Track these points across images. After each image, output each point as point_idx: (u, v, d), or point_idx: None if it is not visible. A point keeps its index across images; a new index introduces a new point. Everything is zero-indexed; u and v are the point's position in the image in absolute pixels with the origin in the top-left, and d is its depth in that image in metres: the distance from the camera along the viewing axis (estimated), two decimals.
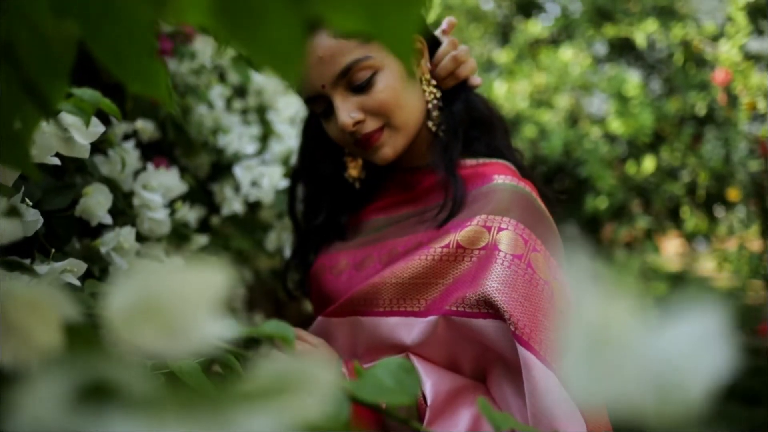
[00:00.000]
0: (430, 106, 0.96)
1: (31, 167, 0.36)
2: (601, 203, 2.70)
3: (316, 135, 1.06)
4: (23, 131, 0.34)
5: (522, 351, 0.76)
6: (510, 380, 0.82)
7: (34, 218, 0.65)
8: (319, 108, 0.92)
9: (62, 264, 0.65)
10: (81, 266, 0.67)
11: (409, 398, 0.34)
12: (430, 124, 0.97)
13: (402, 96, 0.90)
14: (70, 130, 0.61)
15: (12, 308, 0.29)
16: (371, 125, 0.89)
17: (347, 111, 0.88)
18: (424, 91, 0.95)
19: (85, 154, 0.67)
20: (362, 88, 0.87)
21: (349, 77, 0.87)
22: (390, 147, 0.91)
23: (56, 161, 0.65)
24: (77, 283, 0.66)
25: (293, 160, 1.33)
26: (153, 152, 1.18)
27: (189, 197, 1.18)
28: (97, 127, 0.66)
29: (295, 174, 1.13)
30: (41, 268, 0.64)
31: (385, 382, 0.34)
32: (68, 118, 0.61)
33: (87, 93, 0.57)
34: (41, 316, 0.29)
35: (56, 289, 0.29)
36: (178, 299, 0.27)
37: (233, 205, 1.34)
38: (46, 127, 0.59)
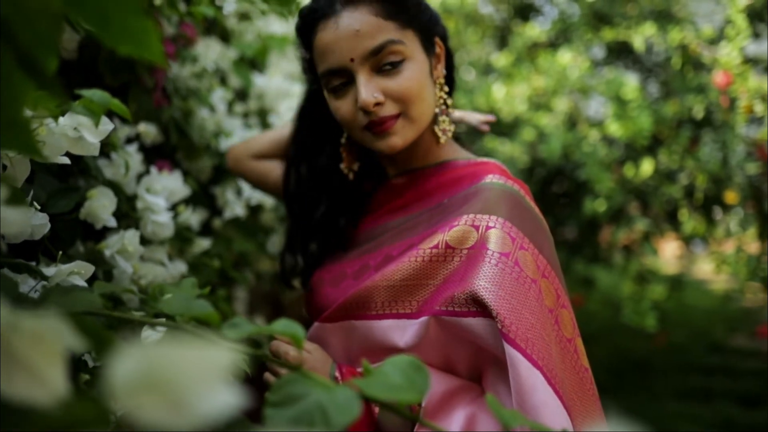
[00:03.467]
0: (437, 110, 0.97)
1: (35, 148, 0.36)
2: (600, 206, 2.70)
3: (310, 123, 1.07)
4: (17, 104, 0.34)
5: (508, 348, 0.77)
6: (504, 380, 0.82)
7: (42, 221, 0.65)
8: (336, 82, 0.91)
9: (69, 266, 0.66)
10: (89, 269, 0.68)
11: (418, 396, 0.35)
12: (436, 128, 0.98)
13: (424, 90, 0.91)
14: (79, 129, 0.61)
15: (16, 341, 0.28)
16: (389, 110, 0.89)
17: (371, 90, 0.88)
18: (436, 94, 0.96)
19: (94, 151, 0.67)
20: (389, 71, 0.88)
21: (380, 57, 0.87)
22: (400, 136, 0.91)
23: (66, 160, 0.65)
24: (84, 284, 0.67)
25: None
26: (156, 156, 1.18)
27: (191, 200, 1.18)
28: (106, 125, 0.66)
29: (289, 161, 1.12)
30: (48, 270, 0.64)
31: (394, 379, 0.34)
32: (78, 118, 0.61)
33: (97, 94, 0.57)
34: (45, 348, 0.29)
35: (60, 321, 0.29)
36: (184, 373, 0.27)
37: (235, 208, 1.35)
38: (55, 128, 0.59)
